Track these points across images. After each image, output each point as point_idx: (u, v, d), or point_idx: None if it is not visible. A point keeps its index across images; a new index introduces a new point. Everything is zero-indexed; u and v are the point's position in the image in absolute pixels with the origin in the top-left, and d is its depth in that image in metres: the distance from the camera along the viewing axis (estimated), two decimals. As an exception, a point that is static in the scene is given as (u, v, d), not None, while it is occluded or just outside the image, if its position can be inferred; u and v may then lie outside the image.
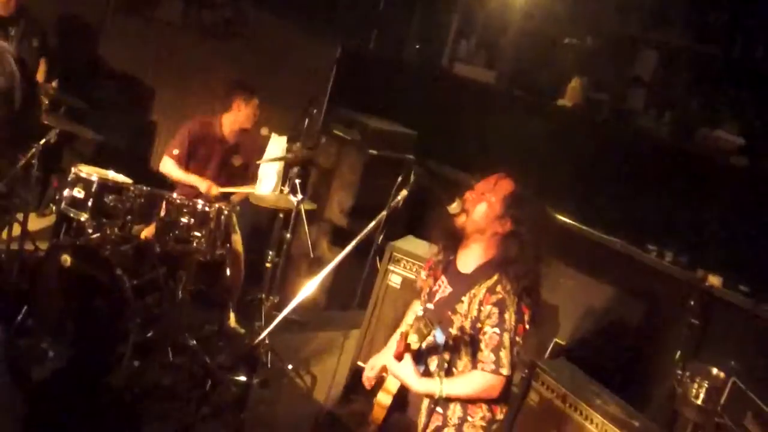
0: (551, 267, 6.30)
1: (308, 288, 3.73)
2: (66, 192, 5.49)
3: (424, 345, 3.26)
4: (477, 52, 8.62)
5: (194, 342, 5.54)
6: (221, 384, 5.25)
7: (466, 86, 8.08)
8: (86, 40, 7.97)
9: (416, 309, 3.73)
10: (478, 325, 3.28)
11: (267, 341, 5.63)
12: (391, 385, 3.49)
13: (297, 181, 5.64)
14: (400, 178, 3.69)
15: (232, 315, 6.07)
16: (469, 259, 3.45)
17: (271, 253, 6.00)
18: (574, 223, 6.57)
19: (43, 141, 5.60)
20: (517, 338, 3.25)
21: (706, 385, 5.04)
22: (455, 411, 3.39)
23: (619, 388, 5.11)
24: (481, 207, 3.36)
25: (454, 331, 3.33)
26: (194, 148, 6.11)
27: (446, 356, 3.34)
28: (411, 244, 5.82)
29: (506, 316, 3.24)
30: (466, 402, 3.37)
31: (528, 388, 5.03)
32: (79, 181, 5.48)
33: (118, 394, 4.89)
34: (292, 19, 7.82)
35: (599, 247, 6.47)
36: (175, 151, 6.05)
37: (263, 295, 5.92)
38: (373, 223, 3.73)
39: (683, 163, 6.70)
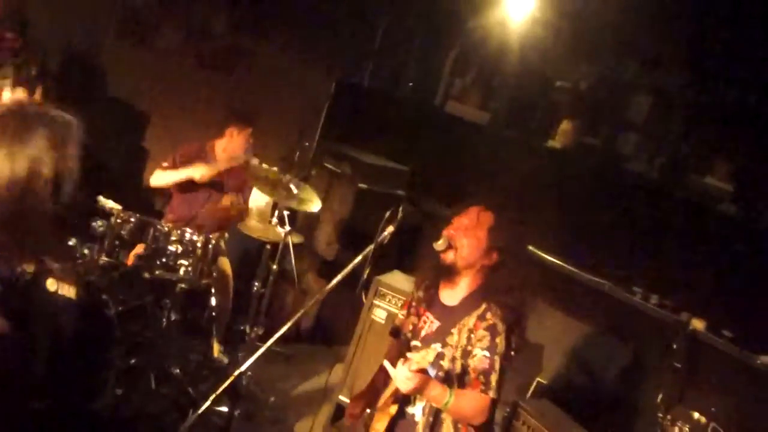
0: (536, 307, 6.40)
1: (292, 321, 3.72)
2: (55, 216, 5.47)
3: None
4: (471, 90, 8.69)
5: (178, 371, 5.52)
6: (203, 414, 5.21)
7: (458, 125, 8.14)
8: (85, 64, 7.99)
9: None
10: (468, 348, 3.27)
11: (250, 373, 5.61)
12: (379, 426, 3.48)
13: (285, 212, 5.65)
14: (387, 214, 3.70)
15: (216, 344, 6.04)
16: (455, 292, 3.45)
17: (257, 284, 5.99)
18: (560, 263, 6.59)
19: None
20: (505, 363, 3.23)
21: (687, 430, 5.05)
22: (448, 429, 3.37)
23: (601, 430, 5.11)
24: (470, 242, 3.37)
25: (446, 363, 3.30)
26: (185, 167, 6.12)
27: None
28: (397, 279, 5.82)
29: (497, 340, 3.22)
30: (457, 425, 3.36)
31: (509, 427, 5.03)
32: (68, 206, 5.46)
33: (100, 421, 4.85)
34: (290, 51, 7.87)
35: (585, 288, 6.48)
36: (165, 164, 6.06)
37: (248, 326, 5.90)
38: (359, 258, 3.74)
39: (672, 208, 6.75)
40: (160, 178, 6.05)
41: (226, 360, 5.99)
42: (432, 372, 3.20)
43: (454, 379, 3.30)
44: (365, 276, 3.86)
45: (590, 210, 6.86)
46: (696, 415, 5.12)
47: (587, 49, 7.49)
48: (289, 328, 3.87)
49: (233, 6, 8.17)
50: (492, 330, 3.24)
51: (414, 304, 3.67)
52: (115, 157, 7.59)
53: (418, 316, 3.60)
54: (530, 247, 6.38)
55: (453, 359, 3.31)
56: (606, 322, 6.32)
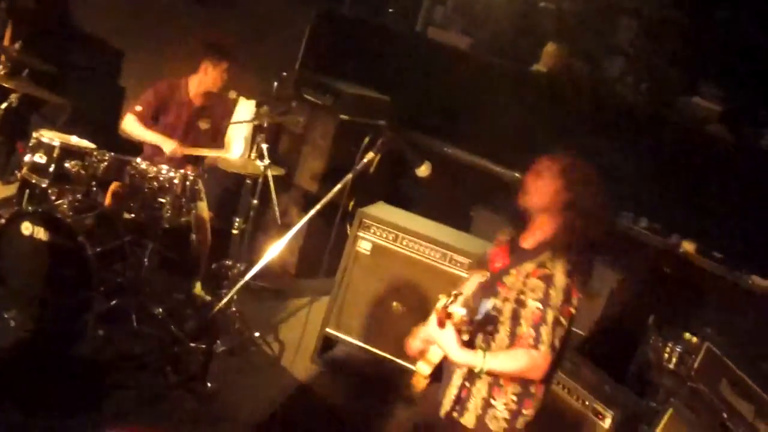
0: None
1: (270, 253, 3.63)
2: (27, 158, 5.32)
3: (467, 316, 3.21)
4: (453, 17, 8.52)
5: (160, 310, 5.44)
6: (188, 352, 5.15)
7: (440, 52, 7.97)
8: (57, 1, 7.77)
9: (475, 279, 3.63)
10: (522, 296, 3.17)
11: (234, 309, 5.54)
12: (433, 356, 3.37)
13: (264, 145, 5.51)
14: (366, 141, 3.61)
15: (198, 283, 5.96)
16: (532, 236, 3.35)
17: (238, 220, 5.87)
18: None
19: (4, 105, 5.45)
20: (562, 319, 3.09)
21: (678, 350, 5.02)
22: (481, 390, 3.28)
23: (594, 357, 5.06)
24: (539, 184, 3.27)
25: (498, 302, 3.23)
26: (159, 109, 5.98)
27: (489, 328, 3.24)
28: (382, 210, 5.72)
29: (552, 292, 3.10)
30: (494, 384, 3.26)
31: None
32: (40, 146, 5.30)
33: (83, 363, 4.79)
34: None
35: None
36: (138, 108, 5.91)
37: (230, 263, 5.80)
38: (338, 186, 3.67)
39: (660, 130, 6.68)
40: (131, 128, 5.94)
41: (208, 297, 5.90)
42: (483, 310, 3.22)
43: (502, 319, 3.22)
44: (349, 208, 3.79)
45: (577, 133, 6.74)
46: (687, 335, 5.09)
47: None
48: (268, 262, 3.79)
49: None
50: (548, 280, 3.13)
51: (501, 241, 3.55)
52: (91, 96, 7.39)
53: (498, 254, 3.49)
54: (517, 175, 6.39)
55: (505, 299, 3.22)
56: (596, 247, 6.24)
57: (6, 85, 5.50)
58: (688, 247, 6.04)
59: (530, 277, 3.16)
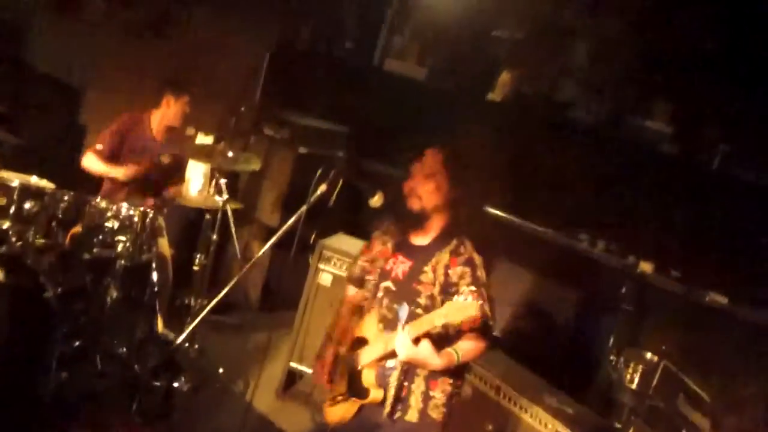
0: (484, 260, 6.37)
1: (225, 289, 3.68)
2: (-15, 199, 5.30)
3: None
4: (410, 47, 8.60)
5: (123, 349, 5.41)
6: (151, 391, 5.13)
7: (397, 83, 8.05)
8: (8, 40, 7.74)
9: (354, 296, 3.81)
10: (451, 289, 3.33)
11: (197, 345, 5.53)
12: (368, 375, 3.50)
13: (223, 180, 5.54)
14: (319, 172, 3.69)
15: (160, 320, 5.93)
16: (425, 235, 3.52)
17: (199, 255, 5.88)
18: (505, 215, 6.56)
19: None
20: (490, 290, 3.33)
21: (640, 370, 5.07)
22: (419, 385, 3.43)
23: (556, 379, 5.11)
24: (432, 186, 3.43)
25: (423, 300, 3.37)
26: (121, 145, 5.99)
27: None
28: (342, 241, 5.77)
29: (479, 273, 3.35)
30: (429, 377, 3.42)
31: (461, 381, 5.00)
32: (-1, 187, 5.30)
33: (45, 405, 4.74)
34: (221, 16, 7.69)
35: (531, 238, 6.47)
36: (99, 146, 5.93)
37: (192, 299, 5.80)
38: (293, 219, 3.73)
39: (613, 151, 6.76)
40: (90, 164, 5.95)
41: (171, 335, 5.88)
42: (404, 314, 3.29)
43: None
44: (311, 239, 3.81)
45: (532, 160, 6.82)
46: (649, 354, 5.14)
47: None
48: (231, 298, 3.80)
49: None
50: (470, 263, 3.36)
51: (378, 249, 3.67)
52: (46, 134, 7.36)
53: (386, 259, 3.60)
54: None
55: (431, 296, 3.37)
56: (554, 270, 6.30)
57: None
58: (645, 267, 6.10)
59: (451, 267, 3.36)
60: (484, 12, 7.67)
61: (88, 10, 7.76)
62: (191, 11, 7.77)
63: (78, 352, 5.13)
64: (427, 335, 3.21)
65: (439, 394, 3.45)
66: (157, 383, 5.17)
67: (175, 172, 6.21)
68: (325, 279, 5.54)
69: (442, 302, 3.30)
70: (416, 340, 3.19)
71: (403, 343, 3.20)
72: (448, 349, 3.29)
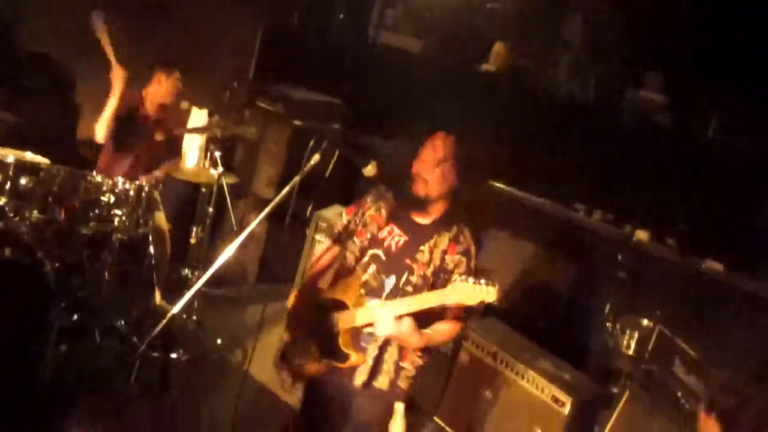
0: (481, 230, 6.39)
1: (222, 259, 3.69)
2: (-19, 176, 5.30)
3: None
4: (403, 20, 8.59)
5: (122, 323, 5.43)
6: (150, 363, 5.15)
7: (392, 55, 8.04)
8: (2, 19, 7.72)
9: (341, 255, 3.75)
10: (444, 275, 3.39)
11: (195, 318, 5.55)
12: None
13: (218, 154, 5.53)
14: (311, 143, 3.69)
15: (158, 293, 5.95)
16: (426, 215, 3.52)
17: (195, 228, 5.89)
18: (502, 186, 6.56)
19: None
20: None
21: (636, 336, 5.09)
22: (392, 355, 3.49)
23: (554, 345, 5.14)
24: (441, 173, 3.42)
25: (414, 278, 3.40)
26: (119, 124, 5.97)
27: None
28: (337, 213, 5.77)
29: (472, 264, 3.42)
30: (402, 348, 3.47)
31: (458, 348, 5.03)
32: (-6, 163, 5.30)
33: (45, 381, 4.76)
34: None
35: (528, 209, 6.48)
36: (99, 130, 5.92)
37: (189, 271, 5.82)
38: (286, 189, 3.73)
39: (608, 123, 6.77)
40: (100, 128, 5.90)
41: (169, 308, 5.90)
42: (390, 284, 3.41)
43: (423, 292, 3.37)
44: (308, 212, 3.82)
45: (528, 131, 6.82)
46: (645, 321, 5.16)
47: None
48: (228, 270, 3.80)
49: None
50: (467, 254, 3.43)
51: (371, 214, 3.64)
52: (41, 112, 7.36)
53: (379, 227, 3.59)
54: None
55: (423, 276, 3.41)
56: (551, 240, 6.32)
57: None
58: (641, 236, 6.11)
59: (449, 253, 3.42)
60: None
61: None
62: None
63: (77, 326, 5.17)
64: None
65: (409, 365, 3.52)
66: (155, 355, 5.21)
67: (170, 149, 6.21)
68: (321, 249, 5.54)
69: (432, 284, 3.38)
70: (400, 317, 3.24)
71: (386, 318, 3.26)
72: (427, 330, 3.36)
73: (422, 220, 3.53)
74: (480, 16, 8.08)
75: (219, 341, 5.70)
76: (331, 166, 5.07)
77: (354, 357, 3.44)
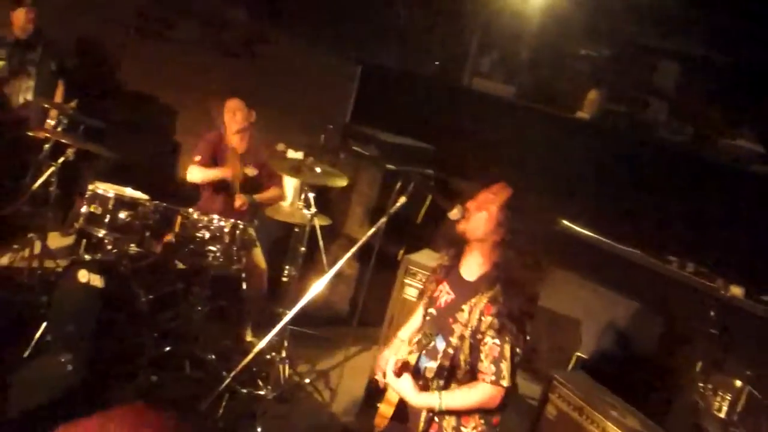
0: (572, 281, 6.35)
1: (304, 300, 3.73)
2: (83, 209, 5.53)
3: (423, 354, 3.35)
4: (497, 67, 8.65)
5: (212, 356, 5.55)
6: (237, 398, 5.25)
7: (486, 101, 8.09)
8: (105, 61, 8.05)
9: (418, 314, 3.74)
10: (479, 336, 3.27)
11: (285, 355, 5.63)
12: (393, 396, 3.47)
13: (311, 195, 5.63)
14: (398, 185, 3.71)
15: (249, 329, 6.08)
16: (472, 268, 3.44)
17: (288, 267, 6.00)
18: (593, 235, 6.52)
19: (61, 159, 5.71)
20: (518, 349, 3.24)
21: (729, 398, 4.98)
22: (450, 421, 3.38)
23: (640, 401, 5.05)
24: (481, 215, 3.36)
25: (454, 340, 3.31)
26: (214, 157, 6.19)
27: (447, 364, 3.32)
28: (427, 257, 5.80)
29: (508, 326, 3.23)
30: (462, 413, 3.36)
31: (545, 401, 4.99)
32: (96, 198, 5.52)
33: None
34: (311, 36, 7.86)
35: (619, 260, 6.40)
36: (197, 158, 6.13)
37: (281, 310, 5.92)
38: (372, 230, 3.75)
39: (704, 173, 6.66)
40: (196, 175, 6.10)
41: (259, 344, 6.01)
42: (441, 346, 3.31)
43: (461, 356, 3.30)
44: (400, 256, 3.83)
45: (622, 180, 6.78)
46: (738, 382, 5.05)
47: (609, 15, 7.40)
48: (320, 311, 3.84)
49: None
50: (502, 315, 3.23)
51: (438, 270, 3.65)
52: (141, 150, 7.63)
53: (437, 283, 3.59)
54: (564, 221, 6.44)
55: (461, 337, 3.31)
56: (642, 292, 6.24)
57: (63, 141, 5.73)
58: (735, 291, 6.00)
59: (485, 314, 3.26)
60: (571, 31, 7.67)
61: (182, 31, 8.02)
62: (283, 31, 7.96)
63: (168, 357, 5.31)
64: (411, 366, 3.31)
65: (471, 431, 3.40)
66: (243, 390, 5.30)
67: (261, 184, 6.33)
68: (410, 293, 5.59)
69: (471, 347, 3.28)
70: (399, 371, 3.27)
71: (389, 368, 3.31)
72: (433, 393, 3.30)
73: (468, 276, 3.45)
74: (574, 62, 8.08)
75: (307, 380, 5.77)
76: (423, 210, 5.15)
77: (378, 417, 3.47)
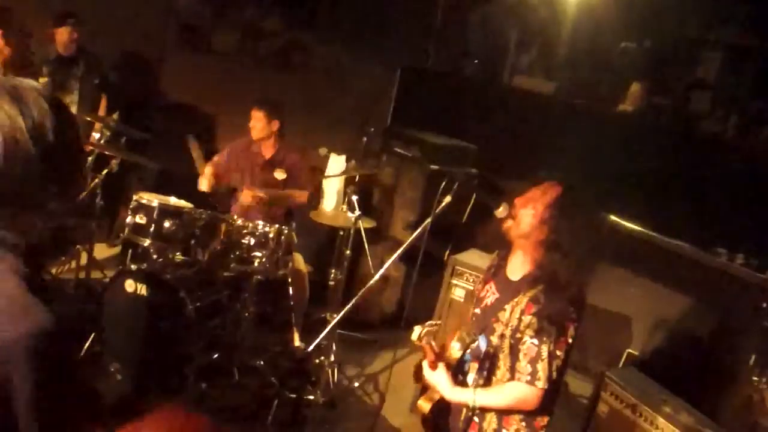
0: (621, 277, 6.28)
1: (351, 302, 3.72)
2: (129, 219, 5.58)
3: (467, 352, 3.30)
4: (537, 63, 8.60)
5: (260, 362, 5.57)
6: (286, 403, 5.26)
7: (526, 98, 8.05)
8: (145, 74, 8.14)
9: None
10: (518, 335, 3.21)
11: (333, 359, 5.64)
12: (434, 393, 3.45)
13: (355, 197, 5.64)
14: (442, 185, 3.68)
15: (296, 334, 6.09)
16: (517, 267, 3.40)
17: (333, 271, 6.01)
18: (641, 229, 6.44)
19: (105, 171, 5.79)
20: (558, 352, 3.16)
21: (784, 392, 4.90)
22: (491, 422, 3.33)
23: (693, 397, 4.98)
24: (527, 212, 3.28)
25: (495, 339, 3.28)
26: (234, 161, 6.30)
27: (486, 364, 3.29)
28: (473, 257, 5.79)
29: (547, 328, 3.16)
30: (501, 413, 3.31)
31: (597, 399, 4.95)
32: (140, 207, 5.57)
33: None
34: (348, 42, 7.87)
35: (668, 254, 6.31)
36: (215, 158, 6.29)
37: (328, 314, 5.93)
38: (418, 231, 3.72)
39: (750, 163, 6.55)
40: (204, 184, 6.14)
41: (307, 349, 6.02)
42: (483, 346, 3.27)
43: (500, 355, 3.26)
44: (446, 256, 3.81)
45: (666, 172, 6.69)
46: (795, 376, 4.96)
47: (648, 6, 7.32)
48: (367, 314, 3.84)
49: (286, 4, 8.23)
50: (541, 316, 3.17)
51: (488, 270, 3.63)
52: (184, 160, 7.69)
53: (484, 283, 3.56)
54: (611, 217, 6.38)
55: (502, 336, 3.27)
56: (692, 286, 6.16)
57: (107, 152, 5.81)
58: (787, 282, 5.90)
59: (525, 314, 3.19)
60: (610, 24, 7.60)
61: (220, 42, 8.09)
62: (320, 38, 7.99)
63: (216, 365, 5.35)
64: (453, 359, 3.27)
65: None
66: (293, 395, 5.32)
67: (292, 188, 6.32)
68: (458, 294, 5.58)
69: (511, 347, 3.23)
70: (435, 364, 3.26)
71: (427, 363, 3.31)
72: (468, 389, 3.27)
73: (513, 275, 3.39)
74: (615, 56, 8.01)
75: (356, 384, 5.77)
76: (468, 210, 5.11)
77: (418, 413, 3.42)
